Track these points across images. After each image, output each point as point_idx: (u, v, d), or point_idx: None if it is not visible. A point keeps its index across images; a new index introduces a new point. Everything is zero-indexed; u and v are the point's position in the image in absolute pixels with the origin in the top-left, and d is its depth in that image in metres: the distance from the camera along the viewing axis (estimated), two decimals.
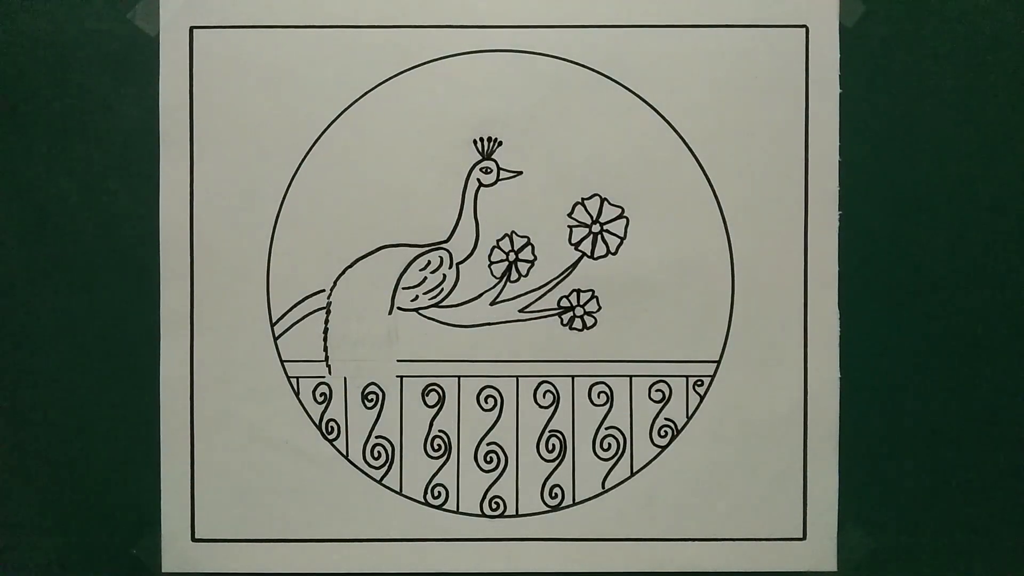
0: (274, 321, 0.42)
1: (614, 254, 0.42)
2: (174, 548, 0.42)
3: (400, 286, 0.42)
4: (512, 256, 0.42)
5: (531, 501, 0.42)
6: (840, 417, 0.42)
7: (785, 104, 0.42)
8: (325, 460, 0.42)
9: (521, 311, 0.42)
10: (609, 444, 0.42)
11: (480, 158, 0.42)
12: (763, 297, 0.42)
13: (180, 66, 0.42)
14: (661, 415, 0.42)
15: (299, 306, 0.42)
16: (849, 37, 0.41)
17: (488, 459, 0.42)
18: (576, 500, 0.42)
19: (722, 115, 0.42)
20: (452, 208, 0.42)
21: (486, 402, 0.42)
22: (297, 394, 0.42)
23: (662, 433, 0.42)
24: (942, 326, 0.42)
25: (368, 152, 0.42)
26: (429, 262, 0.42)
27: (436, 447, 0.42)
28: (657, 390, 0.42)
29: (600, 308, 0.42)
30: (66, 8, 0.42)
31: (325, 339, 0.42)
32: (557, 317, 0.42)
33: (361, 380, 0.42)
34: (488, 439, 0.42)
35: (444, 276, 0.42)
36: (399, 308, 0.42)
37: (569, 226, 0.42)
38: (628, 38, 0.41)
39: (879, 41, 0.42)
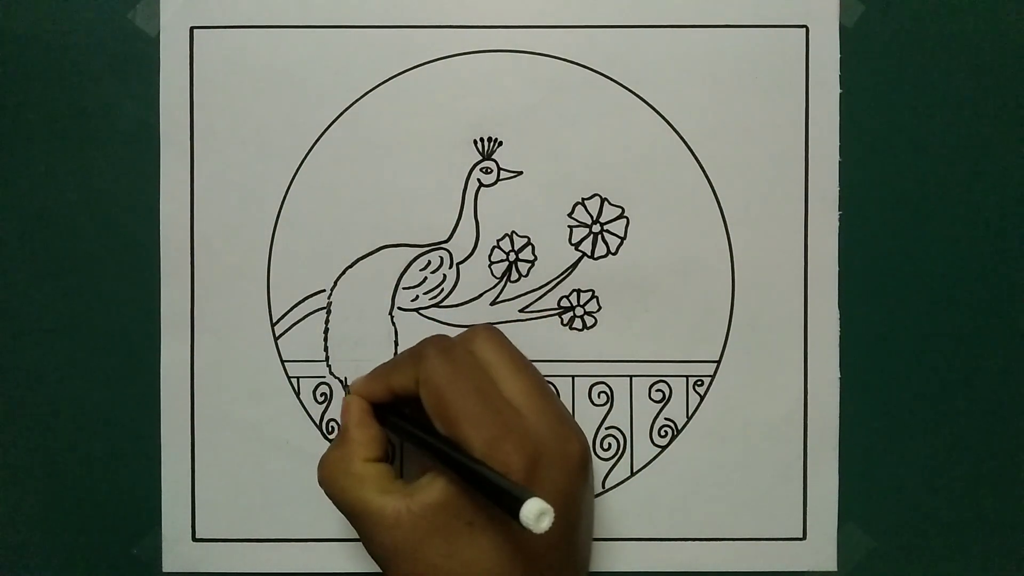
0: (274, 321, 0.42)
1: (614, 254, 0.42)
2: (174, 548, 0.42)
3: (400, 286, 0.42)
4: (512, 256, 0.42)
5: None
6: (840, 417, 0.42)
7: (785, 104, 0.42)
8: None
9: (521, 311, 0.42)
10: (609, 444, 0.42)
11: (480, 158, 0.42)
12: (763, 297, 0.42)
13: (180, 66, 0.42)
14: (661, 415, 0.42)
15: (299, 306, 0.42)
16: (849, 37, 0.41)
17: None
18: None
19: (722, 115, 0.42)
20: (452, 208, 0.42)
21: None
22: (298, 394, 0.42)
23: (662, 433, 0.42)
24: (942, 326, 0.42)
25: (368, 152, 0.42)
26: (429, 262, 0.42)
27: None
28: (657, 390, 0.42)
29: (600, 308, 0.42)
30: (66, 8, 0.42)
31: (326, 339, 0.42)
32: (557, 317, 0.42)
33: None
34: None
35: (444, 276, 0.42)
36: (399, 308, 0.42)
37: (569, 226, 0.42)
38: (628, 38, 0.41)
39: (879, 41, 0.42)
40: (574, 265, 0.42)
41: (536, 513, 0.27)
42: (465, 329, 0.37)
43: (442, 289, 0.42)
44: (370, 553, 0.34)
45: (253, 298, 0.42)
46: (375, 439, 0.36)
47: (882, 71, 0.42)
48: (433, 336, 0.36)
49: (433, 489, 0.32)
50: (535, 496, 0.27)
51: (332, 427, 0.42)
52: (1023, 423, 0.42)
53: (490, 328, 0.36)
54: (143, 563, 0.42)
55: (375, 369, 0.37)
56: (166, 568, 0.42)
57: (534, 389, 0.34)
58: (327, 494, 0.35)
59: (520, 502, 0.28)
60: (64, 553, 0.42)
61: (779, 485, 0.42)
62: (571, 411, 0.42)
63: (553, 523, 0.27)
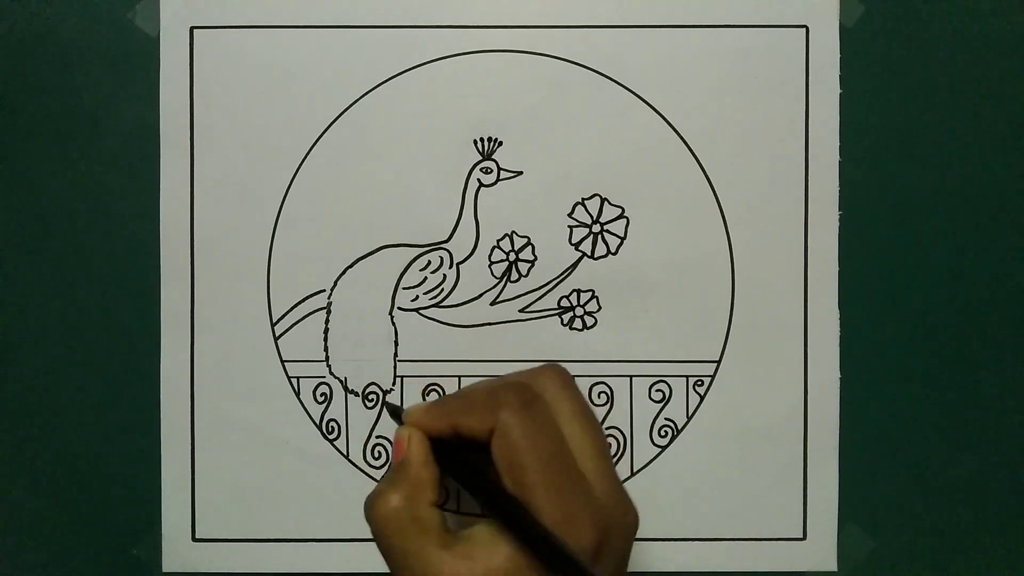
0: (274, 321, 0.42)
1: (614, 254, 0.42)
2: (174, 548, 0.42)
3: (400, 286, 0.42)
4: (512, 256, 0.42)
5: None
6: (840, 417, 0.42)
7: (785, 104, 0.42)
8: (325, 460, 0.42)
9: (521, 311, 0.42)
10: (609, 444, 0.42)
11: (480, 158, 0.42)
12: (763, 297, 0.42)
13: (180, 66, 0.42)
14: (661, 415, 0.42)
15: (299, 306, 0.42)
16: (849, 37, 0.41)
17: None
18: None
19: (722, 115, 0.42)
20: (452, 208, 0.42)
21: None
22: (297, 394, 0.42)
23: (662, 433, 0.42)
24: (942, 327, 0.42)
25: (368, 152, 0.42)
26: (429, 262, 0.42)
27: None
28: (657, 390, 0.42)
29: (600, 308, 0.42)
30: (66, 8, 0.42)
31: (326, 339, 0.42)
32: (557, 317, 0.42)
33: (361, 380, 0.42)
34: None
35: (444, 276, 0.42)
36: (399, 308, 0.42)
37: (569, 226, 0.42)
38: (628, 38, 0.41)
39: (879, 41, 0.42)
40: (574, 265, 0.42)
41: None
42: (535, 368, 0.35)
43: (442, 289, 0.42)
44: None
45: (253, 298, 0.42)
46: (438, 481, 0.33)
47: (882, 71, 0.42)
48: (512, 383, 0.33)
49: (497, 556, 0.30)
50: None
51: (332, 427, 0.42)
52: (1023, 423, 0.42)
53: (563, 375, 0.34)
54: (143, 563, 0.42)
55: (437, 402, 0.34)
56: (166, 568, 0.42)
57: (599, 450, 0.33)
58: (378, 533, 0.32)
59: None
60: (64, 553, 0.42)
61: (779, 485, 0.42)
62: None
63: None
